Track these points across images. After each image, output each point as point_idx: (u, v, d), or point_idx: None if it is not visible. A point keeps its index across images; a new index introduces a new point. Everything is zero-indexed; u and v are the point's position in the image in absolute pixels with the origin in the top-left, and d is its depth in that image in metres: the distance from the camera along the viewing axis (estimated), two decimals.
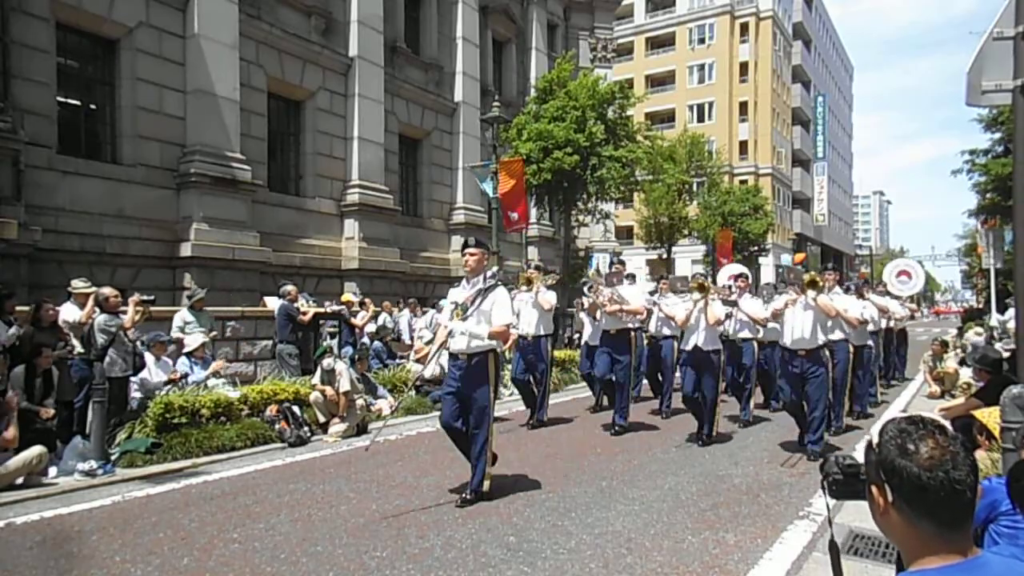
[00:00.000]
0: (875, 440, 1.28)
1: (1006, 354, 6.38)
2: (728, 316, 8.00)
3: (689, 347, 6.93)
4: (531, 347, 8.11)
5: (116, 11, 11.44)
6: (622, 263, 10.11)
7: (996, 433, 3.94)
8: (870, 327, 9.02)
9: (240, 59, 13.11)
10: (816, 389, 6.29)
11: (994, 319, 15.74)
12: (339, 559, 3.87)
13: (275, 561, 3.87)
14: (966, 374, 10.17)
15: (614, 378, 7.74)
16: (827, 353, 6.44)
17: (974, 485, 1.18)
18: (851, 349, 7.69)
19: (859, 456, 1.48)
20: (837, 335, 7.30)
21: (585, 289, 7.79)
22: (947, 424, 1.23)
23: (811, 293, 6.22)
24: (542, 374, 8.18)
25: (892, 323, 11.30)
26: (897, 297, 12.68)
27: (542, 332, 8.11)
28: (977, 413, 4.56)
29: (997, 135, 21.97)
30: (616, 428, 7.52)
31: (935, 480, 1.17)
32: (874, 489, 1.28)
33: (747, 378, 8.46)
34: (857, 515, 4.06)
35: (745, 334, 8.55)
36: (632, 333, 7.75)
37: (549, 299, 8.08)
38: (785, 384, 6.54)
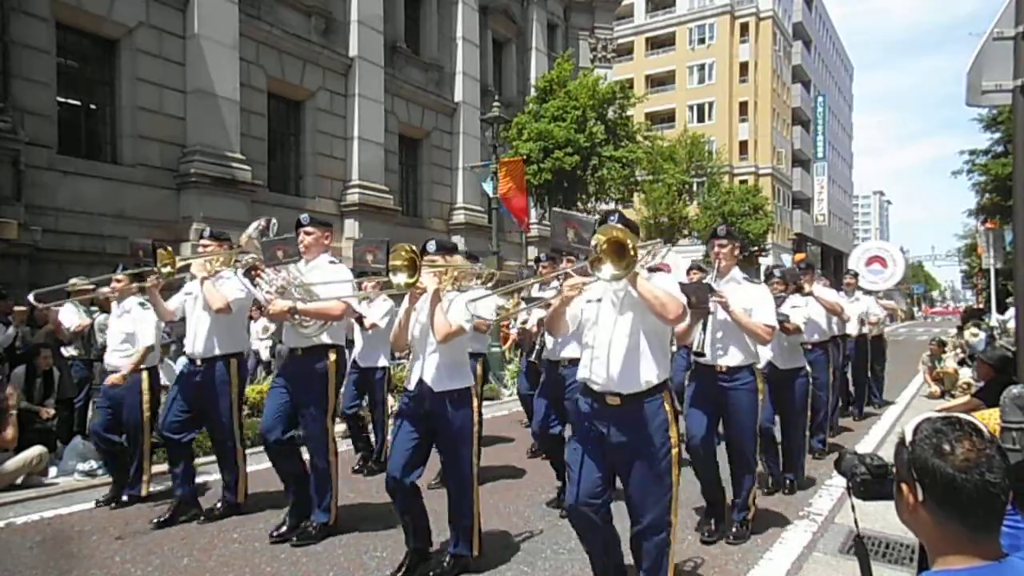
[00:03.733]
0: (908, 438, 1.26)
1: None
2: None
3: (411, 386, 3.70)
4: (202, 378, 4.64)
5: (116, 11, 11.43)
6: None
7: (996, 434, 3.94)
8: (815, 337, 6.34)
9: (240, 59, 13.10)
10: (646, 490, 2.99)
11: (994, 319, 15.73)
12: (339, 559, 3.87)
13: (275, 561, 3.87)
14: (966, 374, 10.20)
15: (300, 437, 4.37)
16: (665, 410, 3.01)
17: (1008, 489, 1.17)
18: (760, 386, 4.26)
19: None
20: (734, 358, 4.18)
21: (239, 275, 4.68)
22: (983, 427, 1.22)
23: (607, 272, 2.67)
24: (220, 428, 4.72)
25: (866, 328, 8.77)
26: (870, 292, 9.93)
27: (217, 352, 4.63)
28: (977, 414, 4.56)
29: (997, 135, 21.98)
30: (309, 530, 4.25)
31: (969, 482, 1.16)
32: (904, 487, 1.26)
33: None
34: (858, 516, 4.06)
35: (573, 352, 4.60)
36: (332, 354, 4.30)
37: (226, 294, 4.56)
38: (574, 475, 3.05)
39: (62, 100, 11.16)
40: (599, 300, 3.13)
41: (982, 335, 11.91)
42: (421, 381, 3.64)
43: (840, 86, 72.08)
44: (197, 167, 12.07)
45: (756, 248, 35.17)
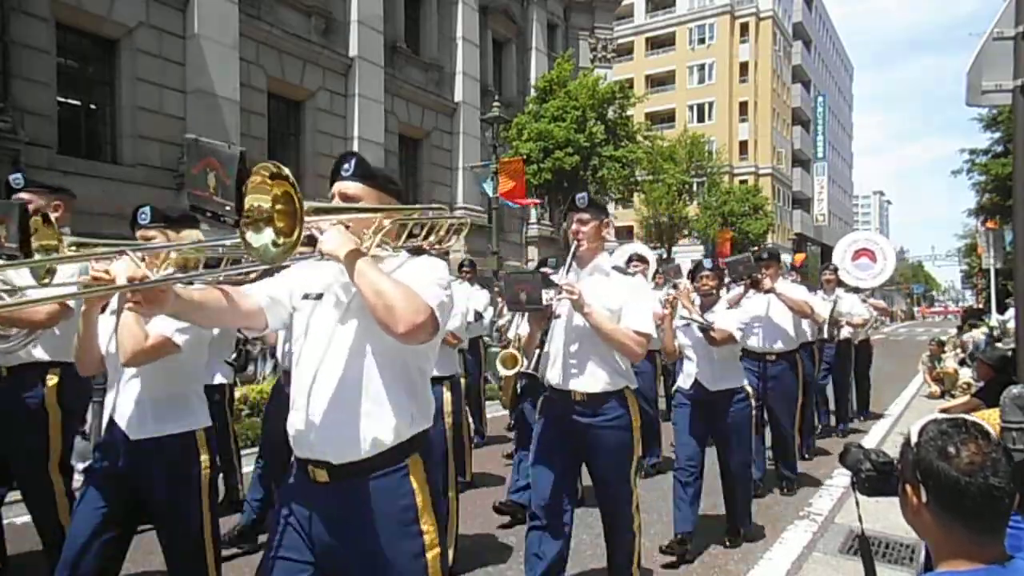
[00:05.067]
0: (914, 439, 1.25)
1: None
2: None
3: (103, 432, 2.69)
4: None
5: (116, 11, 11.44)
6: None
7: (997, 434, 3.94)
8: (778, 345, 5.37)
9: (240, 59, 13.12)
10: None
11: (994, 319, 15.75)
12: None
13: None
14: (966, 374, 10.20)
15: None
16: (411, 486, 1.75)
17: (1013, 493, 1.16)
18: (635, 422, 2.94)
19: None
20: (595, 381, 2.90)
21: None
22: (991, 429, 1.22)
23: (261, 240, 1.54)
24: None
25: (847, 332, 7.83)
26: (856, 290, 9.00)
27: None
28: (977, 414, 4.56)
29: (997, 135, 22.00)
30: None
31: (973, 485, 1.15)
32: (908, 488, 1.26)
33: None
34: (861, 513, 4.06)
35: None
36: (52, 377, 3.10)
37: None
38: None
39: (62, 100, 11.17)
40: (319, 296, 1.85)
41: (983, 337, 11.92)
42: (113, 424, 2.38)
43: (840, 86, 72.10)
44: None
45: (756, 248, 35.19)
